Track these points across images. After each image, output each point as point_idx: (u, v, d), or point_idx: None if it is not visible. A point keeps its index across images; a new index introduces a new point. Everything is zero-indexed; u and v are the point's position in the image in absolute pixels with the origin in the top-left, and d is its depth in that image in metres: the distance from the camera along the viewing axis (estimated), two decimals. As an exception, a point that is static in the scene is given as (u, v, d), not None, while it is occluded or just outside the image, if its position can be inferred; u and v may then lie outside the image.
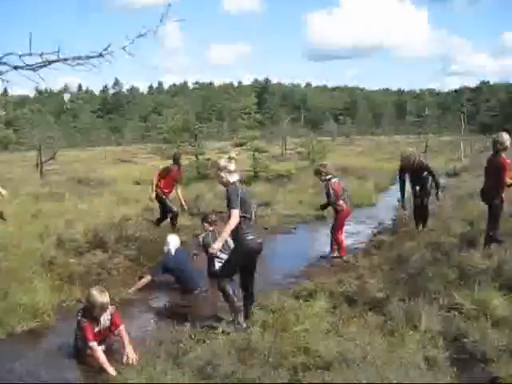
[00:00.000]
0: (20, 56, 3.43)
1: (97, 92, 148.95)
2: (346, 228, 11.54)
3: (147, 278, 8.85)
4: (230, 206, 6.56)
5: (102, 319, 6.32)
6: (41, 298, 7.90)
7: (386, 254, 9.97)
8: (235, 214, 6.46)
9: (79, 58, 3.45)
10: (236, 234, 6.69)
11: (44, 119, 48.97)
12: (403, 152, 11.30)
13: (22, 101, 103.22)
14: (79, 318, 6.32)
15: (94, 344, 6.07)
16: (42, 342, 7.16)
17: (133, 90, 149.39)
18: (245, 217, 6.64)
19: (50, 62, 3.42)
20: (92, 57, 3.49)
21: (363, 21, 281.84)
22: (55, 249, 10.13)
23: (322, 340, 5.59)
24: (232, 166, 6.78)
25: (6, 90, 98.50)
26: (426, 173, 10.77)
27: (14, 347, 6.86)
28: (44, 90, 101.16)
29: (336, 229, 10.76)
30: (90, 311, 6.28)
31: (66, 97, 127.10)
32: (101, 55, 3.46)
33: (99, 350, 6.06)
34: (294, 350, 5.45)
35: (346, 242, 11.36)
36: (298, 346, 5.52)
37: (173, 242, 9.19)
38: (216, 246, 6.76)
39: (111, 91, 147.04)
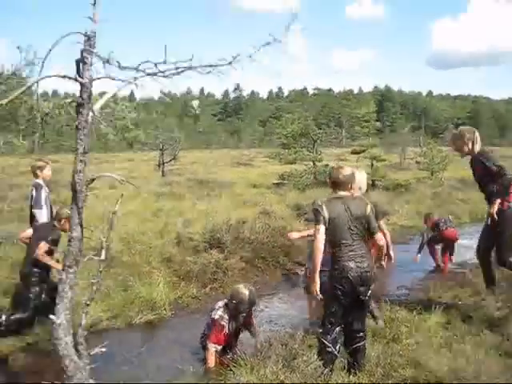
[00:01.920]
0: (155, 64, 3.64)
1: (218, 96, 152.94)
2: (464, 242, 11.24)
3: None
4: None
5: (241, 316, 6.42)
6: (159, 292, 8.25)
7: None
8: None
9: (210, 66, 3.61)
10: None
11: (167, 121, 50.77)
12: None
13: (147, 103, 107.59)
14: (220, 314, 6.36)
15: (211, 345, 6.23)
16: (158, 334, 7.48)
17: (253, 94, 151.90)
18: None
19: (183, 70, 3.61)
20: (222, 65, 3.65)
21: (492, 26, 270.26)
22: (174, 246, 10.52)
23: (434, 355, 5.45)
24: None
25: (132, 94, 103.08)
26: None
27: (132, 337, 7.21)
28: (168, 93, 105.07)
29: (443, 252, 10.71)
30: (237, 307, 6.34)
31: (195, 103, 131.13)
32: (230, 63, 3.62)
33: (213, 354, 6.22)
34: (404, 362, 5.35)
35: (465, 256, 11.03)
36: (408, 358, 5.41)
37: None
38: None
39: (232, 95, 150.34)
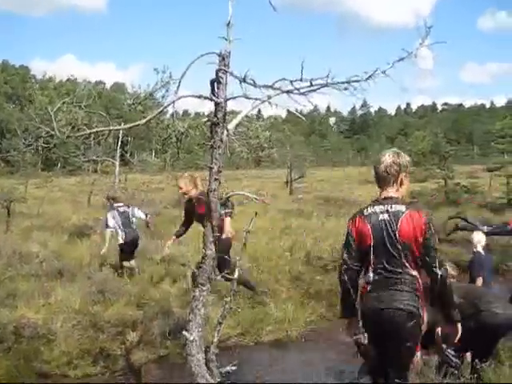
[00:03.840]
0: (291, 82, 3.61)
1: (345, 113, 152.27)
2: None
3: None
4: None
5: None
6: (287, 310, 8.19)
7: None
8: None
9: (346, 82, 3.53)
10: None
11: (295, 139, 51.13)
12: None
13: (274, 121, 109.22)
14: None
15: None
16: (287, 353, 7.37)
17: (380, 111, 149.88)
18: None
19: (319, 87, 3.56)
20: (358, 81, 3.55)
21: None
22: (302, 265, 10.45)
23: None
24: None
25: (259, 112, 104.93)
26: None
27: (261, 355, 7.17)
28: (296, 111, 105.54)
29: None
30: None
31: (332, 121, 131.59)
32: (367, 79, 3.52)
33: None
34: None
35: None
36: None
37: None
38: None
39: (359, 112, 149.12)
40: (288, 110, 4.14)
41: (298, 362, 7.04)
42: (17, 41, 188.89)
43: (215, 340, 4.24)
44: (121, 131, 9.69)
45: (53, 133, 4.26)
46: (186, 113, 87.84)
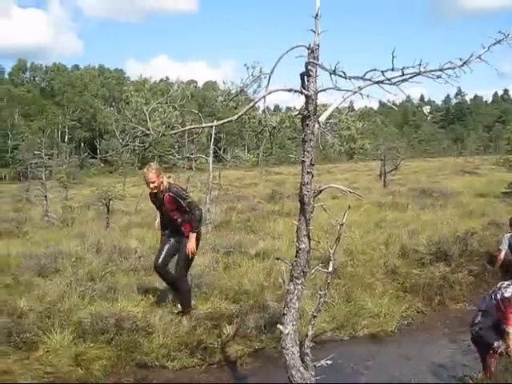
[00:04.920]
0: (382, 72, 3.53)
1: (439, 102, 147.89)
2: None
3: None
4: None
5: None
6: (383, 305, 8.08)
7: None
8: None
9: (439, 70, 3.42)
10: None
11: (387, 130, 50.31)
12: None
13: (366, 113, 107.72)
14: None
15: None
16: (383, 347, 7.27)
17: (476, 98, 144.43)
18: None
19: (412, 76, 3.47)
20: (452, 68, 3.43)
21: None
22: (398, 258, 10.26)
23: None
24: None
25: (351, 104, 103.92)
26: None
27: (356, 349, 7.10)
28: (388, 102, 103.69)
29: None
30: None
31: (426, 109, 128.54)
32: (462, 65, 3.39)
33: None
34: None
35: None
36: None
37: None
38: None
39: (454, 101, 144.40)
40: (380, 102, 4.06)
41: (396, 356, 6.94)
42: (112, 46, 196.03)
43: (310, 334, 4.24)
44: (213, 128, 9.83)
45: (148, 132, 4.43)
46: (277, 107, 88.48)
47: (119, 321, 7.17)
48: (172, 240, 7.62)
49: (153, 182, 7.30)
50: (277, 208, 18.08)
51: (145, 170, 7.46)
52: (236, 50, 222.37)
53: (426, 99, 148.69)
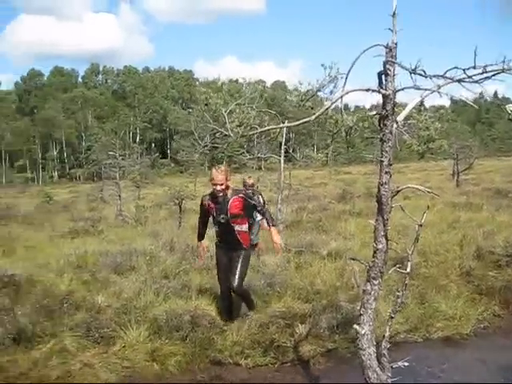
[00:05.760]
0: (464, 70, 3.47)
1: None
2: None
3: None
4: None
5: None
6: (458, 307, 7.91)
7: None
8: None
9: (524, 66, 3.34)
10: None
11: (459, 129, 49.13)
12: None
13: (444, 113, 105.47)
14: None
15: None
16: (459, 351, 7.10)
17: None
18: None
19: (495, 74, 3.39)
20: (537, 64, 3.34)
21: None
22: (473, 260, 10.00)
23: None
24: None
25: (423, 103, 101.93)
26: None
27: (431, 352, 6.97)
28: (465, 99, 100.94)
29: None
30: None
31: (510, 107, 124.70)
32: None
33: None
34: None
35: None
36: None
37: None
38: None
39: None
40: (452, 100, 3.99)
41: (472, 359, 6.78)
42: (182, 47, 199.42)
43: (387, 334, 4.21)
44: (285, 128, 9.88)
45: (227, 133, 4.47)
46: (345, 107, 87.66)
47: (194, 318, 7.32)
48: (229, 254, 7.32)
49: (221, 184, 6.98)
50: (348, 208, 17.98)
51: (213, 171, 7.08)
52: (304, 50, 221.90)
53: (500, 96, 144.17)
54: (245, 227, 7.21)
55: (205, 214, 7.46)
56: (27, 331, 6.87)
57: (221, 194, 7.03)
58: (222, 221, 7.13)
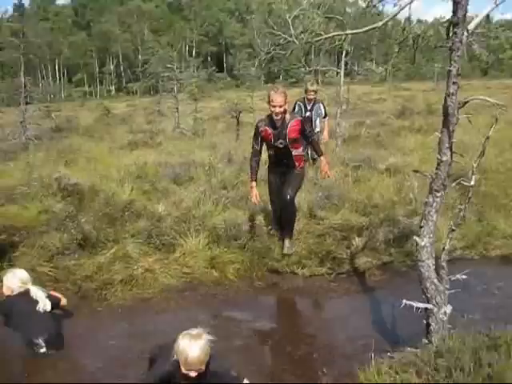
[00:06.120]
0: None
1: None
2: None
3: None
4: None
5: None
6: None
7: None
8: None
9: None
10: None
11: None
12: None
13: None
14: None
15: None
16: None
17: None
18: None
19: None
20: None
21: None
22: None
23: None
24: None
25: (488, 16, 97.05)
26: None
27: (487, 269, 6.89)
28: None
29: None
30: None
31: None
32: None
33: None
34: None
35: None
36: None
37: None
38: None
39: None
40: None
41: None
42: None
43: (447, 247, 4.22)
44: (349, 38, 9.56)
45: (291, 39, 4.32)
46: (407, 20, 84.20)
47: (252, 227, 7.47)
48: (282, 177, 6.96)
49: (280, 106, 6.52)
50: (407, 124, 17.63)
51: (272, 93, 6.56)
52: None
53: None
54: (300, 150, 6.96)
55: (260, 142, 6.91)
56: (91, 237, 7.18)
57: (279, 118, 6.62)
58: (281, 146, 6.75)
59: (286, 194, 6.72)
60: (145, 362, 4.40)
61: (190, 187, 9.38)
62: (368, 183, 9.56)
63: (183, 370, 3.66)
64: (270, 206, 7.42)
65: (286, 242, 6.93)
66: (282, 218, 7.05)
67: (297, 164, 6.87)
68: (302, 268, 6.83)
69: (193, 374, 3.64)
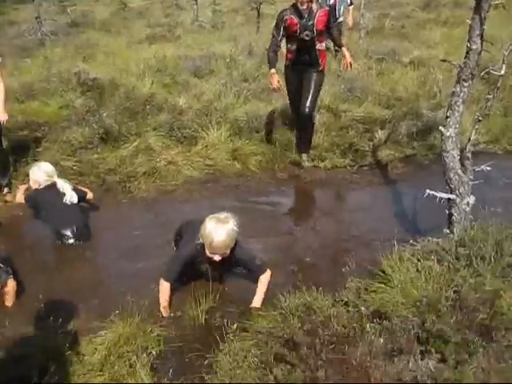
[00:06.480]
0: None
1: None
2: None
3: None
4: None
5: None
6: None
7: None
8: None
9: None
10: None
11: None
12: None
13: None
14: None
15: None
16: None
17: None
18: None
19: None
20: None
21: None
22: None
23: None
24: None
25: None
26: None
27: (510, 164, 6.86)
28: None
29: None
30: None
31: None
32: None
33: None
34: None
35: None
36: None
37: None
38: None
39: None
40: None
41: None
42: None
43: (472, 138, 4.17)
44: None
45: None
46: None
47: (273, 120, 7.44)
48: (302, 76, 6.57)
49: None
50: (432, 16, 16.99)
51: None
52: None
53: None
54: (324, 45, 6.56)
55: (283, 32, 6.42)
56: (113, 131, 7.21)
57: (305, 7, 6.19)
58: (307, 38, 6.27)
59: (305, 107, 6.45)
60: (170, 248, 4.53)
61: (211, 80, 9.29)
62: (392, 76, 9.37)
63: (208, 254, 3.75)
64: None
65: (304, 155, 6.89)
66: (300, 129, 6.95)
67: (320, 61, 6.48)
68: (323, 161, 6.87)
69: (217, 257, 3.73)
